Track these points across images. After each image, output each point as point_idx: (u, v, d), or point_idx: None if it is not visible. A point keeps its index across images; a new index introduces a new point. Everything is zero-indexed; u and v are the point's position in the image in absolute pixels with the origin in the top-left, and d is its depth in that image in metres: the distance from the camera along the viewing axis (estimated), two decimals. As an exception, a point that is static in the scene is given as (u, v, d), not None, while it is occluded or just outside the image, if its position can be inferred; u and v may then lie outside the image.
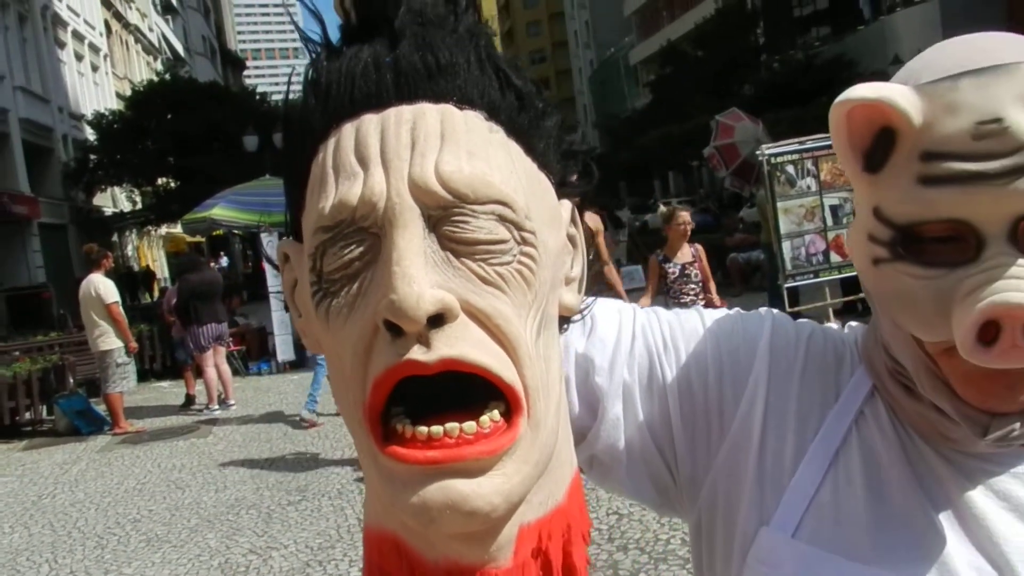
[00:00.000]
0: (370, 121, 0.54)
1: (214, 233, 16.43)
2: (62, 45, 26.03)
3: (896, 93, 0.62)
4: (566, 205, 0.63)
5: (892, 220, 0.64)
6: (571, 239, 0.64)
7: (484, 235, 0.52)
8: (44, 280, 20.14)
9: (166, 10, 43.14)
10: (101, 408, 8.98)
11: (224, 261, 25.16)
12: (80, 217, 25.18)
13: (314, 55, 0.59)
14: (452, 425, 0.51)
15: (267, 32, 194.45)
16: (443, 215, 0.52)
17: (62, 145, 24.93)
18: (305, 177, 0.57)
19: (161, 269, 31.24)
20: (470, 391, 0.52)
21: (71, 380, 9.91)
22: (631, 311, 0.81)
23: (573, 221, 0.64)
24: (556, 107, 0.62)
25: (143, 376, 10.87)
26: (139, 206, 26.67)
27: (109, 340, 8.46)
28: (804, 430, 0.74)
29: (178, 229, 23.34)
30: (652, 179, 45.94)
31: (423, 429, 0.51)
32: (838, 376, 0.76)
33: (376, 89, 0.55)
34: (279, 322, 10.30)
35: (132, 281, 22.66)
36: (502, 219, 0.53)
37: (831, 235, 8.29)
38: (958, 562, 0.67)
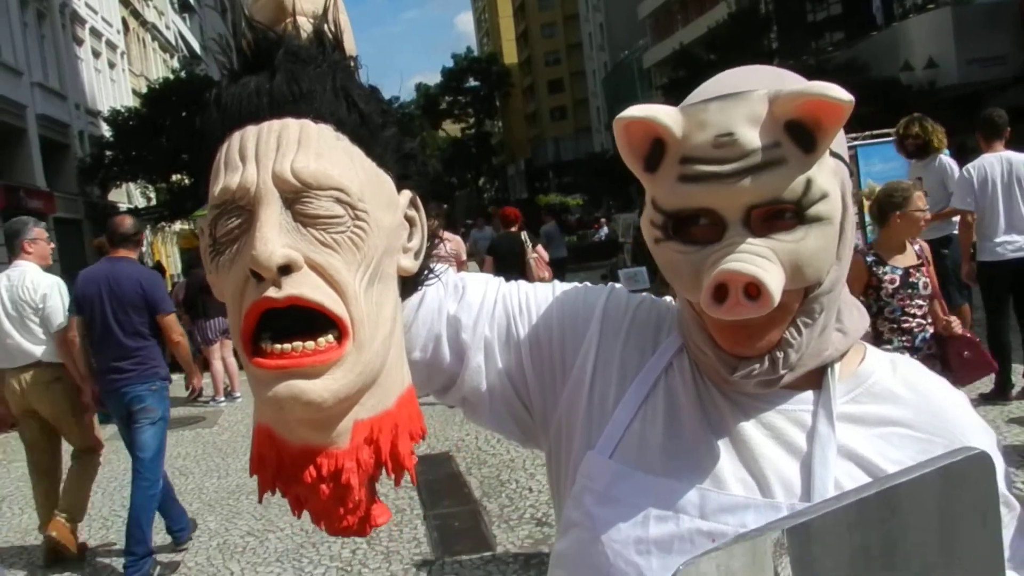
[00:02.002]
0: (250, 130, 0.76)
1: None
2: (80, 42, 26.40)
3: (661, 112, 0.80)
4: (405, 194, 0.84)
5: (663, 208, 0.83)
6: (410, 220, 0.85)
7: (324, 212, 0.73)
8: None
9: (183, 8, 43.58)
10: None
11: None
12: (95, 212, 25.50)
13: (221, 83, 0.80)
14: (297, 343, 0.72)
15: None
16: (295, 197, 0.73)
17: (78, 141, 25.28)
18: (210, 169, 0.78)
19: (174, 265, 31.57)
20: (315, 322, 0.72)
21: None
22: (496, 282, 1.01)
23: (415, 207, 0.85)
24: (395, 123, 0.84)
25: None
26: (153, 202, 26.96)
27: (119, 332, 8.65)
28: (625, 377, 0.92)
29: (190, 225, 23.65)
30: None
31: (278, 346, 0.72)
32: (657, 336, 0.95)
33: (256, 108, 0.76)
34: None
35: (145, 276, 22.96)
36: (339, 201, 0.74)
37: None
38: (727, 474, 0.85)
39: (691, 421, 0.89)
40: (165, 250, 33.59)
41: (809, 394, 0.88)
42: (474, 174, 68.93)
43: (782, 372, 0.84)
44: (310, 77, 0.78)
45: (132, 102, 28.02)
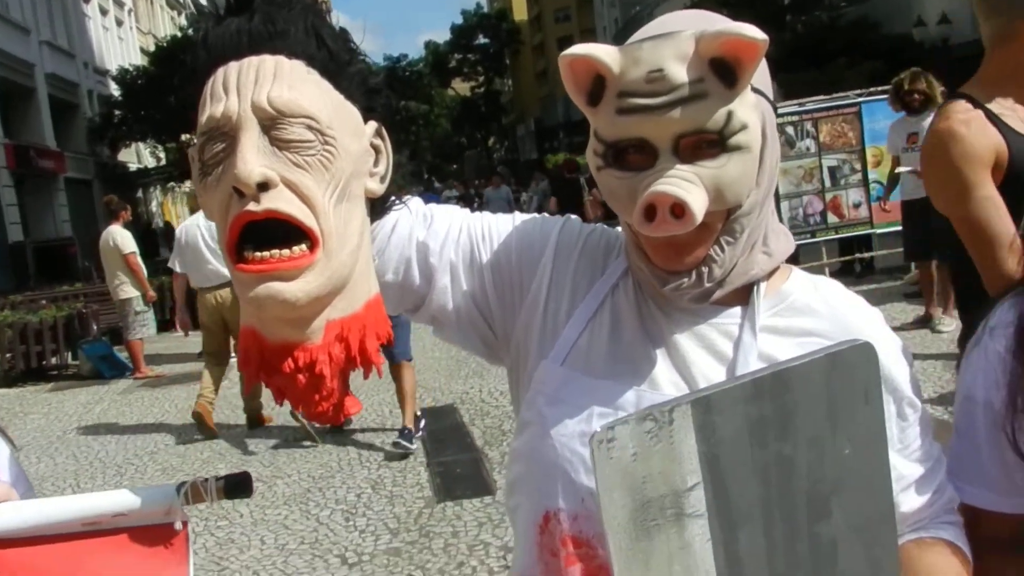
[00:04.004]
0: (232, 66, 0.85)
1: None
2: (87, 0, 26.33)
3: (601, 51, 0.88)
4: (371, 124, 0.93)
5: (604, 139, 0.92)
6: (376, 147, 0.94)
7: (296, 137, 0.83)
8: (70, 234, 20.65)
9: (190, -35, 43.25)
10: (123, 355, 9.39)
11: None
12: (105, 172, 25.63)
13: (206, 23, 0.89)
14: (275, 251, 0.82)
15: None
16: (271, 124, 0.82)
17: (87, 100, 25.32)
18: (199, 101, 0.87)
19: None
20: (290, 234, 0.82)
21: (95, 327, 10.34)
22: (463, 212, 1.10)
23: (380, 136, 0.94)
24: (362, 60, 0.93)
25: (164, 326, 11.26)
26: (163, 162, 27.02)
27: (127, 289, 8.85)
28: (576, 296, 1.02)
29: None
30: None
31: (258, 254, 0.82)
32: (606, 260, 1.05)
33: (237, 46, 0.86)
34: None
35: (153, 237, 23.12)
36: (310, 128, 0.83)
37: (829, 196, 8.46)
38: (662, 378, 0.96)
39: (632, 333, 0.99)
40: (175, 211, 33.71)
41: (737, 309, 0.98)
42: (484, 133, 68.66)
43: (708, 285, 0.93)
44: (284, 18, 0.87)
45: (140, 60, 27.94)
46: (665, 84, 0.85)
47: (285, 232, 0.82)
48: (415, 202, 1.07)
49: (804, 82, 17.07)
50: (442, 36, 69.45)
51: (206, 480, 0.90)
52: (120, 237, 8.75)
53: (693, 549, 0.72)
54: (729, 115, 0.86)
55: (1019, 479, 0.99)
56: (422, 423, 5.60)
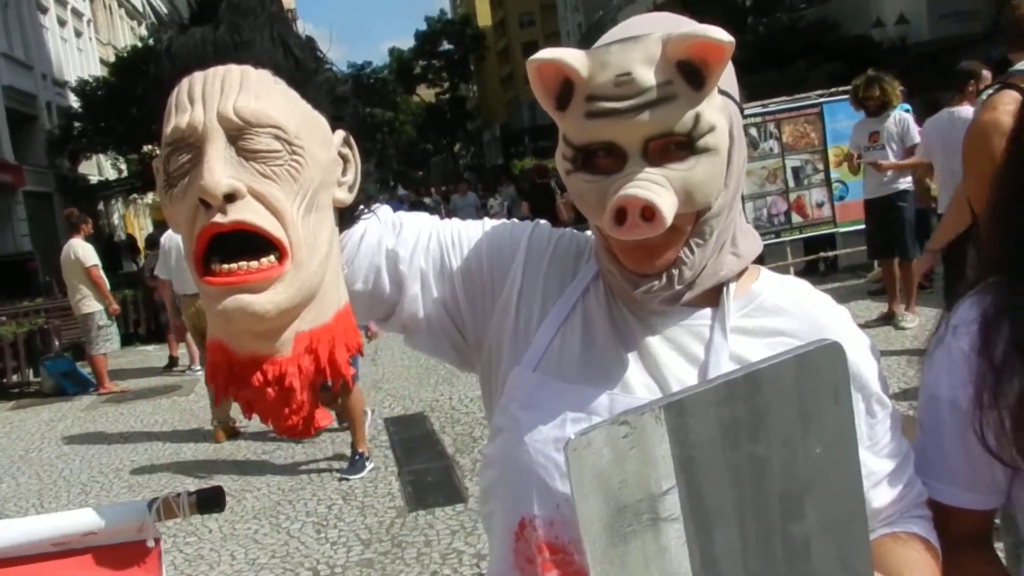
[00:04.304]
0: (197, 75, 0.84)
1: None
2: (44, 10, 25.90)
3: (568, 55, 0.88)
4: (339, 133, 0.93)
5: (572, 143, 0.91)
6: (344, 156, 0.93)
7: (263, 147, 0.82)
8: (30, 248, 20.28)
9: (149, -25, 42.74)
10: (87, 370, 9.24)
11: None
12: (66, 185, 25.21)
13: (169, 32, 0.88)
14: (243, 263, 0.81)
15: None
16: (238, 134, 0.81)
17: (46, 112, 24.90)
18: (163, 112, 0.85)
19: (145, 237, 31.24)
20: (258, 245, 0.81)
21: (57, 343, 10.15)
22: (431, 219, 1.09)
23: (348, 145, 0.94)
24: (329, 69, 0.92)
25: (128, 340, 11.11)
26: (124, 174, 26.63)
27: (90, 303, 8.71)
28: (547, 301, 1.02)
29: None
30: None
31: (225, 266, 0.81)
32: (576, 265, 1.05)
33: (202, 56, 0.85)
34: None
35: (116, 250, 22.79)
36: (277, 138, 0.82)
37: (792, 196, 8.55)
38: (634, 381, 0.96)
39: (604, 337, 0.99)
40: (138, 223, 33.25)
41: (708, 311, 0.98)
42: (449, 140, 68.51)
43: (679, 288, 0.93)
44: (250, 27, 0.86)
45: (100, 71, 27.54)
46: (633, 87, 0.85)
47: (252, 243, 0.81)
48: (384, 210, 1.07)
49: (766, 83, 17.24)
50: (406, 43, 69.24)
51: (178, 495, 0.89)
52: (82, 250, 8.62)
53: (669, 553, 0.72)
54: (697, 117, 0.86)
55: (985, 476, 1.01)
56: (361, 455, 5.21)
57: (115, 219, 30.83)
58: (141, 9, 39.03)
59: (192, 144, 0.82)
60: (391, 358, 8.06)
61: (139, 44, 28.49)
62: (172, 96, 0.85)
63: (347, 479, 5.02)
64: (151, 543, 0.87)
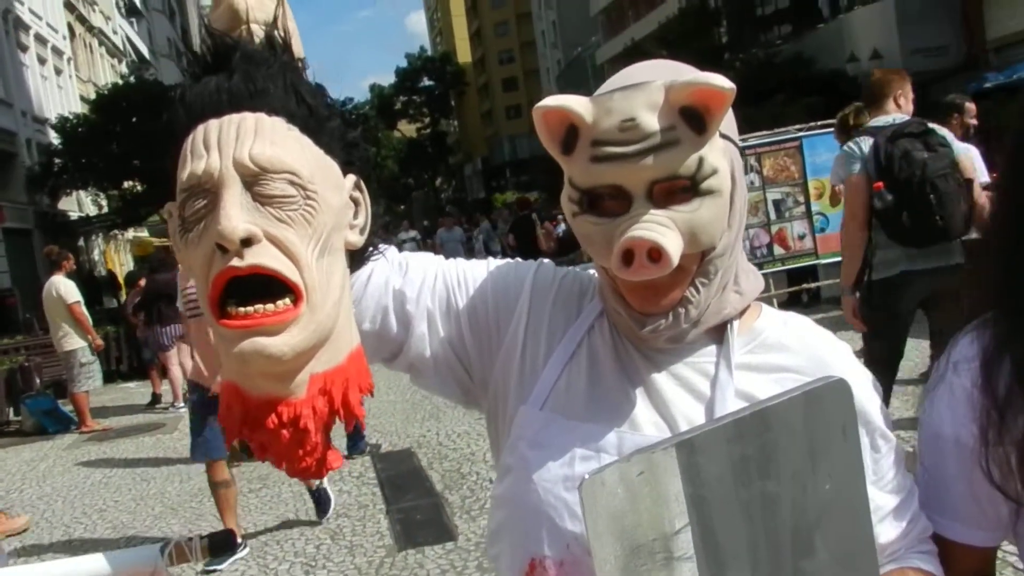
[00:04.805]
0: (212, 123, 0.86)
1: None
2: (24, 49, 25.89)
3: (573, 102, 0.91)
4: (350, 178, 0.95)
5: (578, 186, 0.94)
6: (355, 200, 0.96)
7: (279, 192, 0.84)
8: (9, 285, 20.11)
9: (130, 12, 42.85)
10: (68, 408, 9.14)
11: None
12: (45, 222, 25.05)
13: (184, 83, 0.90)
14: (259, 306, 0.82)
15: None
16: (254, 180, 0.83)
17: (26, 149, 24.80)
18: (176, 159, 0.87)
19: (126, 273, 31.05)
20: (274, 289, 0.83)
21: (38, 381, 10.04)
22: (437, 259, 1.11)
23: (359, 189, 0.96)
24: (340, 115, 0.95)
25: (110, 377, 11.01)
26: (105, 210, 26.51)
27: (72, 340, 8.64)
28: (553, 339, 1.04)
29: (145, 233, 23.25)
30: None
31: (242, 309, 0.82)
32: (580, 303, 1.07)
33: (217, 104, 0.87)
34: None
35: (96, 286, 22.62)
36: (292, 183, 0.85)
37: (774, 228, 8.64)
38: (642, 418, 0.97)
39: (610, 374, 1.01)
40: (118, 259, 33.04)
41: (712, 348, 1.00)
42: (431, 174, 68.77)
43: (685, 326, 0.95)
44: (263, 76, 0.89)
45: (80, 108, 27.51)
46: (638, 132, 0.88)
47: (266, 286, 0.82)
48: (390, 251, 1.09)
49: (745, 118, 17.33)
50: (387, 79, 69.73)
51: (190, 539, 0.89)
52: (64, 287, 8.57)
53: (684, 590, 0.73)
54: (700, 161, 0.89)
55: (989, 512, 1.01)
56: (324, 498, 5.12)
57: (95, 255, 30.63)
58: (122, 47, 39.14)
59: (208, 190, 0.84)
60: (377, 393, 7.93)
61: (119, 82, 28.54)
62: (187, 143, 0.87)
63: (328, 518, 4.98)
64: None
